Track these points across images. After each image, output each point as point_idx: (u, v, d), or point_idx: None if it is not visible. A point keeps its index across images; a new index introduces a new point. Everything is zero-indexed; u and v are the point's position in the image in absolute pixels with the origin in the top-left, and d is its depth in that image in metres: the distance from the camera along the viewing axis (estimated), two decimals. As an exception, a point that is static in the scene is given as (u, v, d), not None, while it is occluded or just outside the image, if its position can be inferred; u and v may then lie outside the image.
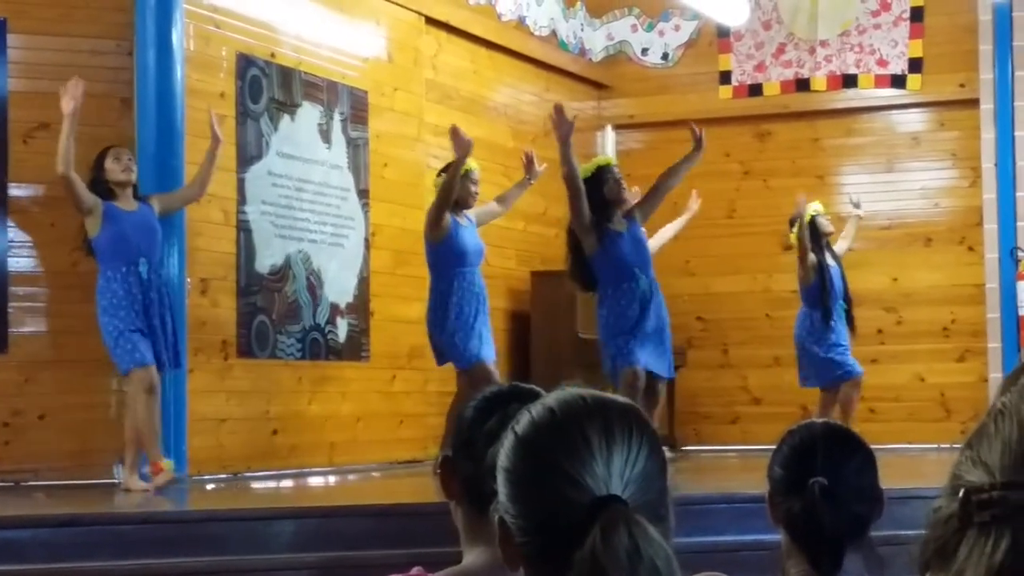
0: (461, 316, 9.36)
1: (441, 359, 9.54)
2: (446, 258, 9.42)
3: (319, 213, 10.60)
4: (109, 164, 8.52)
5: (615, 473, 1.63)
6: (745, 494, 7.07)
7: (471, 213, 9.68)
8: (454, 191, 9.29)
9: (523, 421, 1.71)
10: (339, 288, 10.79)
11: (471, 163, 9.54)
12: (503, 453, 1.70)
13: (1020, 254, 12.74)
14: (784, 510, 3.03)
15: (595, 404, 1.69)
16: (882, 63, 13.57)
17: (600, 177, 9.70)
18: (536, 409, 1.71)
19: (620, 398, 1.73)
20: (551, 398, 1.71)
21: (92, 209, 8.42)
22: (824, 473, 2.98)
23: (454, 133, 9.40)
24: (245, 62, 10.06)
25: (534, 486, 1.66)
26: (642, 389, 9.38)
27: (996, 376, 12.82)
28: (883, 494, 3.07)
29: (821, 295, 10.91)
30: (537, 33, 13.47)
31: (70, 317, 9.05)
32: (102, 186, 8.49)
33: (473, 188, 9.56)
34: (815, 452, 3.02)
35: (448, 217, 9.37)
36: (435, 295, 9.47)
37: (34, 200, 9.17)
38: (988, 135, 13.03)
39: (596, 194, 9.58)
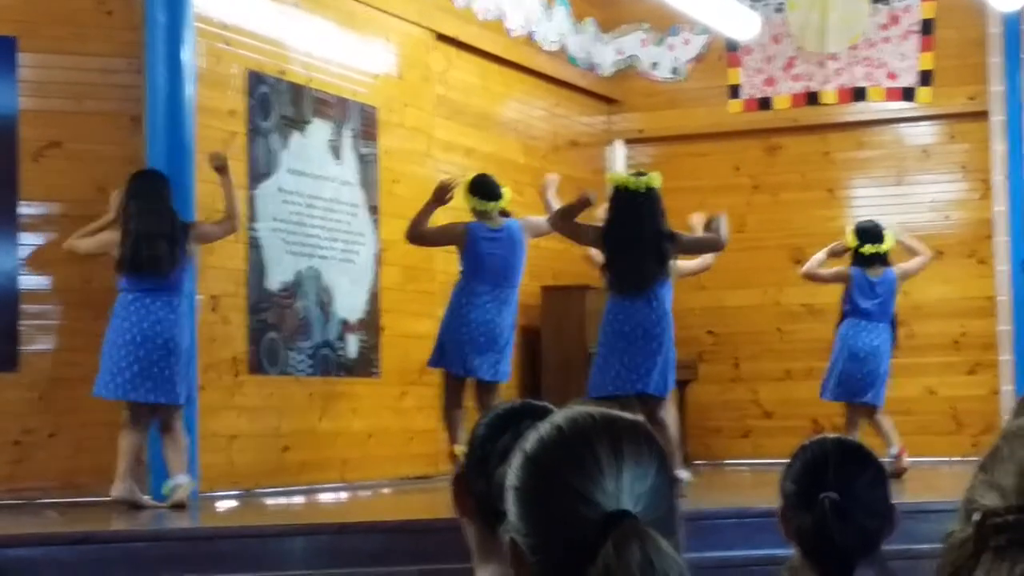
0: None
1: None
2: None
3: (329, 229, 10.61)
4: None
5: (625, 489, 1.64)
6: (757, 509, 7.06)
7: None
8: None
9: (531, 439, 1.71)
10: (349, 304, 10.80)
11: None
12: (512, 472, 1.70)
13: (1031, 266, 12.72)
14: (796, 525, 3.03)
15: (603, 421, 1.69)
16: (892, 76, 13.57)
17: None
18: (544, 427, 1.71)
19: (627, 415, 1.73)
20: (559, 416, 1.72)
21: None
22: (836, 488, 2.98)
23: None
24: (255, 79, 10.07)
25: (545, 504, 1.66)
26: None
27: (1008, 389, 12.80)
28: (895, 509, 3.07)
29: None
30: (546, 48, 13.49)
31: (81, 335, 9.06)
32: None
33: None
34: (827, 467, 3.02)
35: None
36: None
37: (45, 218, 9.18)
38: (998, 147, 13.02)
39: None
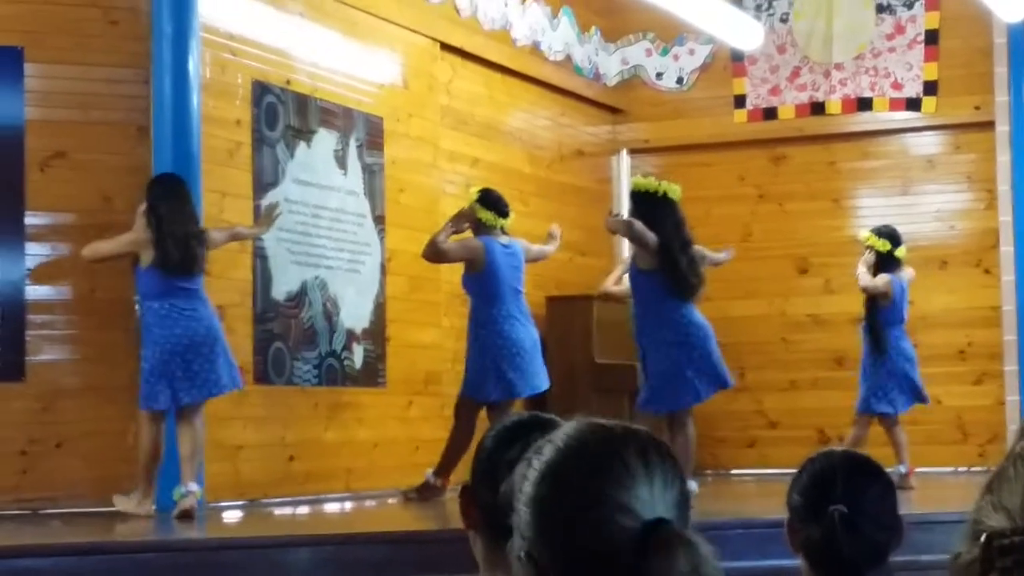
0: None
1: None
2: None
3: (335, 239, 10.62)
4: None
5: (658, 497, 1.63)
6: (763, 519, 7.05)
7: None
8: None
9: (550, 451, 1.67)
10: (355, 314, 10.80)
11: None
12: (531, 484, 1.66)
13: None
14: (803, 537, 3.03)
15: (625, 431, 1.68)
16: (897, 86, 13.57)
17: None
18: (564, 439, 1.68)
19: (639, 426, 1.72)
20: (576, 428, 1.68)
21: None
22: (844, 501, 2.98)
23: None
24: (261, 89, 10.08)
25: (574, 515, 1.62)
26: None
27: (1013, 399, 12.80)
28: (903, 522, 3.07)
29: None
30: (552, 58, 13.50)
31: (88, 345, 9.07)
32: None
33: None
34: (835, 479, 3.02)
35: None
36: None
37: (52, 228, 9.19)
38: (1003, 157, 13.02)
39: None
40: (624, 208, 9.47)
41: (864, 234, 10.83)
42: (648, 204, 9.46)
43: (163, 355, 8.34)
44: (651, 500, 1.62)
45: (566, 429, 1.70)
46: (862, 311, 10.68)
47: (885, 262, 10.56)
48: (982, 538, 1.25)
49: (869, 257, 10.57)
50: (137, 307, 8.64)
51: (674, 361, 9.29)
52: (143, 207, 8.50)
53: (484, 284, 9.57)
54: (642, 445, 1.65)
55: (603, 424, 1.70)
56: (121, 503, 8.45)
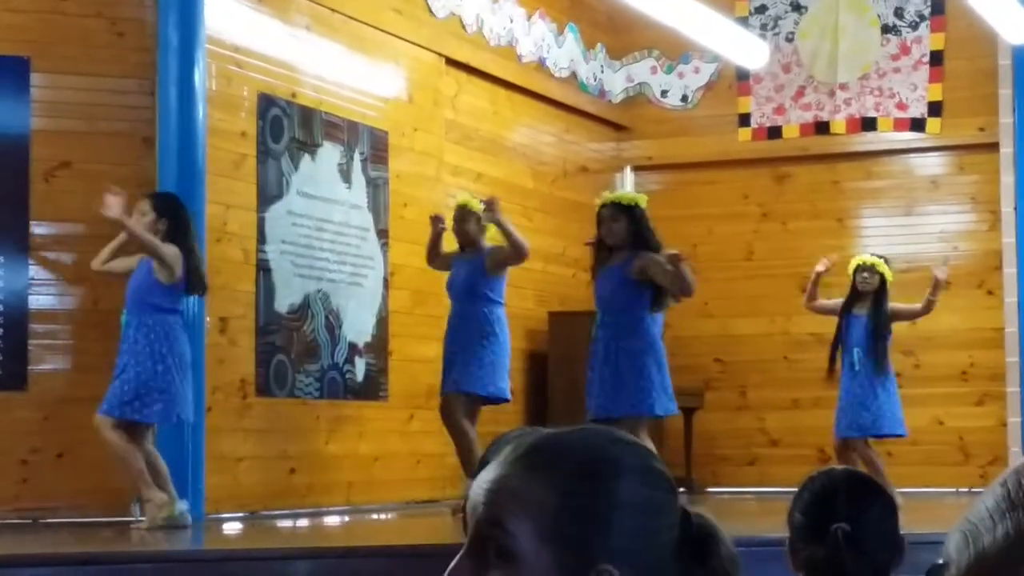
0: (446, 349, 9.74)
1: None
2: (449, 292, 9.87)
3: (338, 253, 10.63)
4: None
5: None
6: (763, 537, 7.04)
7: (487, 247, 9.78)
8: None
9: (622, 452, 1.59)
10: (358, 327, 10.81)
11: (469, 201, 9.80)
12: (625, 489, 1.56)
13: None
14: (805, 556, 3.03)
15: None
16: (901, 107, 13.58)
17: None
18: (615, 438, 1.61)
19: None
20: (604, 432, 1.63)
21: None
22: (847, 520, 2.98)
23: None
24: (266, 102, 10.10)
25: (666, 511, 1.59)
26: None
27: (1015, 420, 12.79)
28: (904, 541, 3.07)
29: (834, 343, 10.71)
30: (557, 75, 13.51)
31: (90, 355, 9.07)
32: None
33: (462, 226, 9.65)
34: (836, 498, 3.02)
35: (450, 257, 9.84)
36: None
37: (56, 238, 9.20)
38: (1007, 179, 13.03)
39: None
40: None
41: (872, 259, 10.68)
42: (645, 217, 9.53)
43: (168, 370, 8.33)
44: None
45: (601, 433, 1.63)
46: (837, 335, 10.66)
47: (886, 287, 10.55)
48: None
49: (873, 281, 10.49)
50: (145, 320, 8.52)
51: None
52: (156, 220, 8.43)
53: (497, 288, 9.74)
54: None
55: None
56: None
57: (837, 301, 10.68)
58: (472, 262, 9.67)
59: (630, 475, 1.56)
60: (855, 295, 10.51)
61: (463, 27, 12.16)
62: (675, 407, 9.62)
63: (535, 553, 1.50)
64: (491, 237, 9.78)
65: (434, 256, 9.92)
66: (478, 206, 9.69)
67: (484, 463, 2.64)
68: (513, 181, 12.65)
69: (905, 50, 13.59)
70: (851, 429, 10.34)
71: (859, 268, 10.52)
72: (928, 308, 10.61)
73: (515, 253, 9.65)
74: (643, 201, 9.67)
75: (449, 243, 9.87)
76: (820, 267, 10.67)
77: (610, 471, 1.56)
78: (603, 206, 9.61)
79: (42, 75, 9.28)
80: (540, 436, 1.60)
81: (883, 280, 10.50)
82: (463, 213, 9.75)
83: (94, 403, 8.44)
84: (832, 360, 10.60)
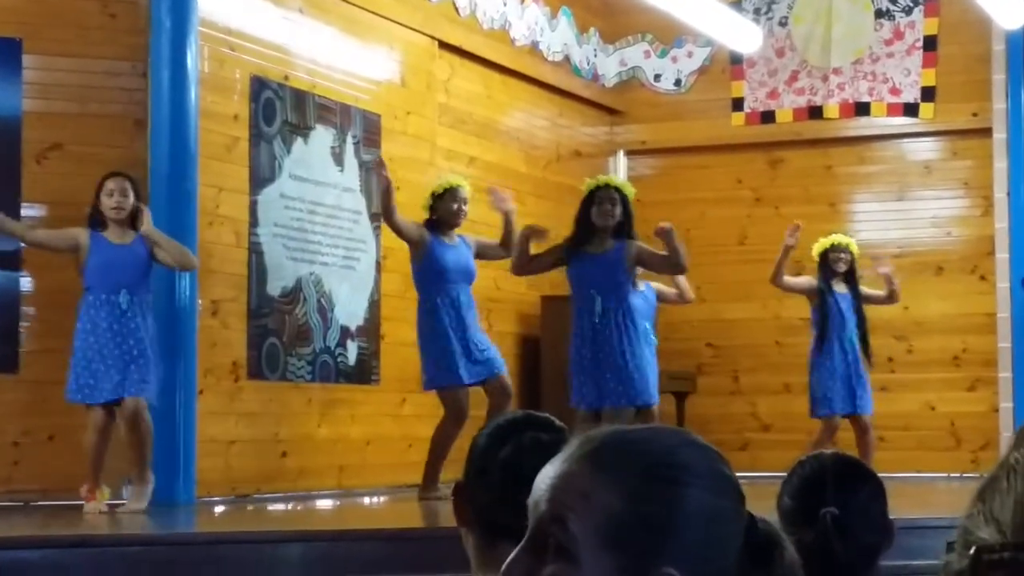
0: (439, 338, 9.43)
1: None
2: (427, 277, 9.53)
3: (331, 236, 10.62)
4: (103, 197, 8.47)
5: None
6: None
7: (471, 238, 9.73)
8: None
9: (693, 456, 1.56)
10: (350, 311, 10.80)
11: (458, 181, 9.71)
12: (693, 497, 1.53)
13: (1032, 283, 12.73)
14: (794, 541, 3.01)
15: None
16: (895, 91, 13.57)
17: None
18: (687, 440, 1.58)
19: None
20: (688, 438, 1.58)
21: (77, 238, 8.46)
22: (835, 504, 2.98)
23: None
24: (259, 85, 10.08)
25: (732, 519, 1.57)
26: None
27: (1007, 406, 12.81)
28: (893, 524, 3.07)
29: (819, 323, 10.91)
30: (550, 58, 13.50)
31: (81, 337, 9.04)
32: (97, 215, 8.48)
33: (455, 206, 9.56)
34: (825, 483, 3.02)
35: (427, 235, 9.48)
36: (419, 316, 9.54)
37: (47, 220, 9.17)
38: (1000, 164, 13.03)
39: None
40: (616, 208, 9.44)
41: (845, 239, 11.02)
42: (631, 207, 9.59)
43: (83, 342, 8.42)
44: None
45: (674, 434, 1.59)
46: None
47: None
48: (972, 550, 1.24)
49: (847, 259, 10.84)
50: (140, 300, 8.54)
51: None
52: (142, 208, 8.50)
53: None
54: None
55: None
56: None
57: (803, 279, 10.99)
58: (463, 247, 9.65)
59: (699, 482, 1.53)
60: (830, 275, 10.77)
61: (456, 10, 12.14)
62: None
63: (595, 556, 1.48)
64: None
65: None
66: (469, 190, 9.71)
67: (476, 445, 2.63)
68: (506, 165, 12.64)
69: (899, 35, 13.58)
70: (847, 405, 10.60)
71: (834, 247, 10.76)
72: (893, 297, 10.90)
73: (505, 254, 9.74)
74: (626, 187, 9.76)
75: (415, 214, 9.75)
76: (790, 240, 10.77)
77: (680, 477, 1.52)
78: (609, 187, 9.54)
79: (34, 57, 9.26)
80: (610, 433, 1.56)
81: (853, 259, 10.79)
82: (464, 195, 9.68)
83: (85, 386, 8.43)
84: (822, 340, 10.74)
